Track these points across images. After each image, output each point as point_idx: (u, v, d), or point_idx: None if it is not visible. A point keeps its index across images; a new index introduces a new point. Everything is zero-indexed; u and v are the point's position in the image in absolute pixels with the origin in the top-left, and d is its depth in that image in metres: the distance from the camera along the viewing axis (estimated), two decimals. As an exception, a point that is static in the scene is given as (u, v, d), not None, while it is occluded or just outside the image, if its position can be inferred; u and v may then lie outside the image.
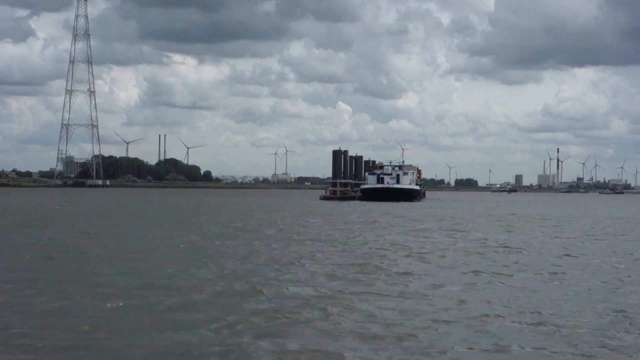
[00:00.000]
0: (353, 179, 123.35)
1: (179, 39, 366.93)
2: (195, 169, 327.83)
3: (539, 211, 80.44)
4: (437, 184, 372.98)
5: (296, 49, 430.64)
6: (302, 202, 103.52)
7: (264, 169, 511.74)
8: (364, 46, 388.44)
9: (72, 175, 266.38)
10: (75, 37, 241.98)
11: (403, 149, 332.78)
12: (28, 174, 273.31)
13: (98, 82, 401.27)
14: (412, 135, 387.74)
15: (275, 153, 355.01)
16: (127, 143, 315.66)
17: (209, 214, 60.14)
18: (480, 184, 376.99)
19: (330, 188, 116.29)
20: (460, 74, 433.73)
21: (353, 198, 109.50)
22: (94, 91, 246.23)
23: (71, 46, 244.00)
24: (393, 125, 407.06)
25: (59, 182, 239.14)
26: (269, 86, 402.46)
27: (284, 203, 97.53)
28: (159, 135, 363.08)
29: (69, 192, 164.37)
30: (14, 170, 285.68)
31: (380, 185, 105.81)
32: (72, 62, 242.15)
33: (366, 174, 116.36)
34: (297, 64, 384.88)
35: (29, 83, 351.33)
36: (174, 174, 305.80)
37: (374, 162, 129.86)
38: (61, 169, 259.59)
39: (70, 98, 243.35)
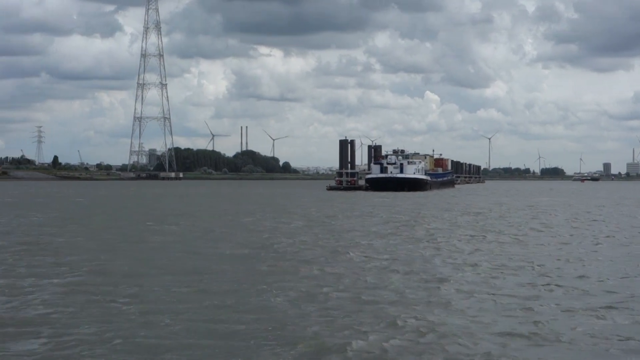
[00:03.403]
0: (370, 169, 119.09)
1: (265, 31, 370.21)
2: (274, 160, 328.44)
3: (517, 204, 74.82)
4: (522, 173, 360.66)
5: (381, 39, 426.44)
6: (308, 192, 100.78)
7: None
8: (449, 36, 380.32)
9: (151, 168, 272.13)
10: (146, 30, 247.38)
11: (489, 139, 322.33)
12: (108, 168, 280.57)
13: (186, 75, 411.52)
14: (501, 125, 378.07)
15: (362, 144, 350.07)
16: (213, 136, 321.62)
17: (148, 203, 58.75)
18: (570, 172, 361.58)
19: (337, 178, 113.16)
20: (547, 61, 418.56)
21: (361, 188, 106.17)
22: (166, 84, 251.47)
23: (142, 40, 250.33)
24: (482, 115, 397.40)
25: (132, 175, 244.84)
26: (356, 77, 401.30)
27: (285, 193, 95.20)
28: (241, 127, 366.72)
29: (126, 184, 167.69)
30: (98, 164, 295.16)
31: (383, 175, 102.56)
32: (143, 55, 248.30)
33: (371, 163, 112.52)
34: (383, 55, 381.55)
35: (118, 77, 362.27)
36: (250, 165, 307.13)
37: (402, 150, 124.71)
38: (136, 161, 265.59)
39: (142, 91, 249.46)
